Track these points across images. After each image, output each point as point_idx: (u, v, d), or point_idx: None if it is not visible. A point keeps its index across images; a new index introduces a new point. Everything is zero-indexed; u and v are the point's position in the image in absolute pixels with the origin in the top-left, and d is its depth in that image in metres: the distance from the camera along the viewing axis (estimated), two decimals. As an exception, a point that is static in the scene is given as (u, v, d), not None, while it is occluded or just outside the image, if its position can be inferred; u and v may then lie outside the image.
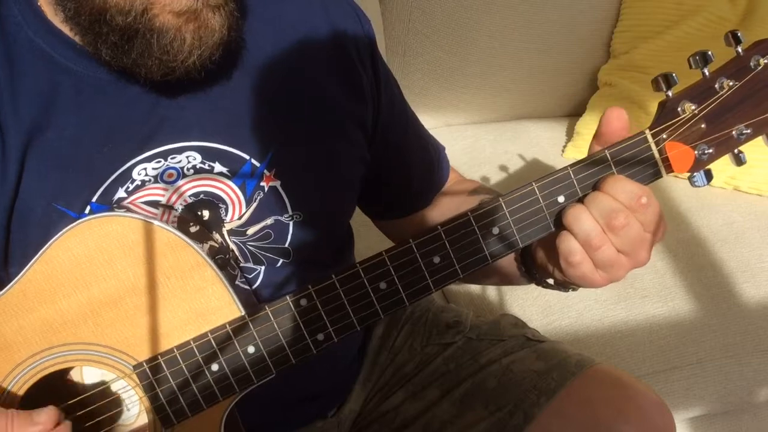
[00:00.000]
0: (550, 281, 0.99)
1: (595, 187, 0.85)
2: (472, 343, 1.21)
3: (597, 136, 0.89)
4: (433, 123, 2.13)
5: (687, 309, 1.59)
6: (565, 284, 0.97)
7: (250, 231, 0.98)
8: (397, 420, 1.18)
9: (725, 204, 1.87)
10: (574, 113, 2.26)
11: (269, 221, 0.99)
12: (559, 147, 2.14)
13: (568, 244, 0.84)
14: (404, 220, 1.22)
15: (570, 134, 2.16)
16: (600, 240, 0.83)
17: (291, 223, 1.00)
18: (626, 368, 1.45)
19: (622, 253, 0.85)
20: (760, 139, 0.88)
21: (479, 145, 2.10)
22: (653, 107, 2.00)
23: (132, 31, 0.82)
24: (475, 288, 1.64)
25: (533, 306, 1.58)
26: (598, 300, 1.58)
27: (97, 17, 0.81)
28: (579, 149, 2.05)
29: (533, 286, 1.55)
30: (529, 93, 2.22)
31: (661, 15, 2.11)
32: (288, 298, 0.85)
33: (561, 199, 0.85)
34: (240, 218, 0.97)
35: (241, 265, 0.99)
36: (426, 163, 1.21)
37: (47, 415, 0.80)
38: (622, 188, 0.83)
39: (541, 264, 0.97)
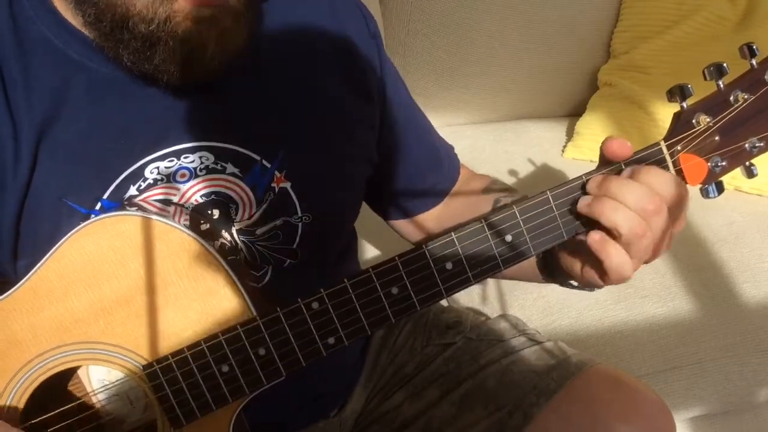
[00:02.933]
0: (574, 282, 0.99)
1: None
2: (472, 343, 1.21)
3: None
4: (433, 123, 2.10)
5: (687, 309, 1.59)
6: (591, 285, 0.97)
7: (259, 231, 0.99)
8: (397, 420, 1.18)
9: (725, 204, 1.86)
10: (574, 113, 2.26)
11: (278, 222, 0.99)
12: (559, 147, 2.14)
13: (620, 258, 0.83)
14: (417, 219, 1.21)
15: (570, 134, 2.16)
16: (643, 228, 0.81)
17: (300, 224, 1.00)
18: (626, 368, 1.45)
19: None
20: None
21: (479, 145, 2.10)
22: (653, 107, 2.01)
23: (154, 39, 0.82)
24: (475, 288, 1.64)
25: (533, 306, 1.58)
26: (598, 300, 1.58)
27: (119, 24, 0.82)
28: (579, 149, 2.05)
29: (533, 286, 1.57)
30: (529, 93, 2.21)
31: (661, 15, 2.11)
32: (300, 301, 0.85)
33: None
34: (250, 218, 0.97)
35: (250, 264, 0.99)
36: (434, 161, 1.21)
37: None
38: (655, 177, 0.83)
39: (567, 269, 0.95)
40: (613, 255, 0.83)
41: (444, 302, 1.65)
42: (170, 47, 0.82)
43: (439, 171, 1.21)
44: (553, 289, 1.56)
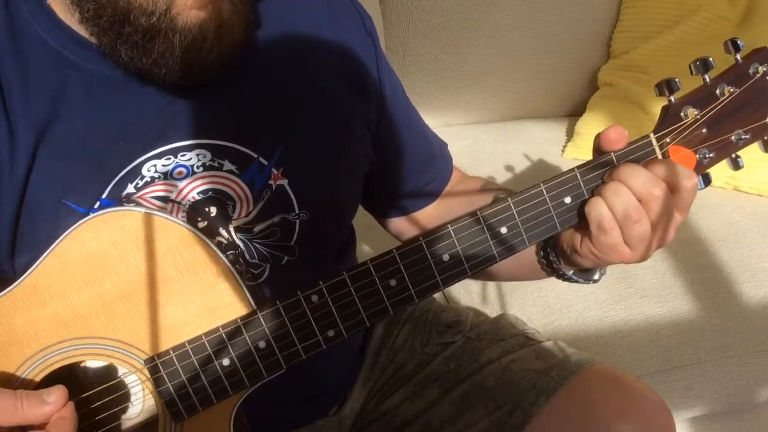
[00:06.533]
0: (570, 272, 0.99)
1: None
2: (472, 342, 1.21)
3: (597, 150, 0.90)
4: (433, 123, 2.09)
5: (687, 309, 1.59)
6: (586, 270, 0.97)
7: (257, 228, 0.99)
8: (397, 419, 1.18)
9: (725, 204, 1.87)
10: (574, 113, 2.27)
11: (276, 219, 0.99)
12: (559, 147, 2.14)
13: (598, 210, 0.85)
14: (413, 217, 1.21)
15: (570, 134, 2.16)
16: (638, 213, 0.84)
17: (297, 221, 1.01)
18: (626, 368, 1.45)
19: (653, 228, 0.86)
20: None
21: (479, 145, 2.10)
22: (653, 107, 2.01)
23: (155, 31, 0.82)
24: (475, 288, 1.64)
25: (533, 306, 1.58)
26: (598, 300, 1.58)
27: (120, 18, 0.82)
28: (579, 149, 2.05)
29: (533, 285, 1.57)
30: (529, 93, 2.22)
31: (661, 15, 2.12)
32: (299, 294, 0.86)
33: (568, 200, 0.87)
34: (247, 215, 0.97)
35: (248, 261, 0.99)
36: (430, 158, 1.21)
37: (57, 394, 0.80)
38: (666, 167, 0.85)
39: (568, 244, 0.94)
40: (596, 207, 0.85)
41: (444, 301, 1.66)
42: (169, 39, 0.82)
43: (435, 168, 1.22)
44: (553, 289, 1.57)
